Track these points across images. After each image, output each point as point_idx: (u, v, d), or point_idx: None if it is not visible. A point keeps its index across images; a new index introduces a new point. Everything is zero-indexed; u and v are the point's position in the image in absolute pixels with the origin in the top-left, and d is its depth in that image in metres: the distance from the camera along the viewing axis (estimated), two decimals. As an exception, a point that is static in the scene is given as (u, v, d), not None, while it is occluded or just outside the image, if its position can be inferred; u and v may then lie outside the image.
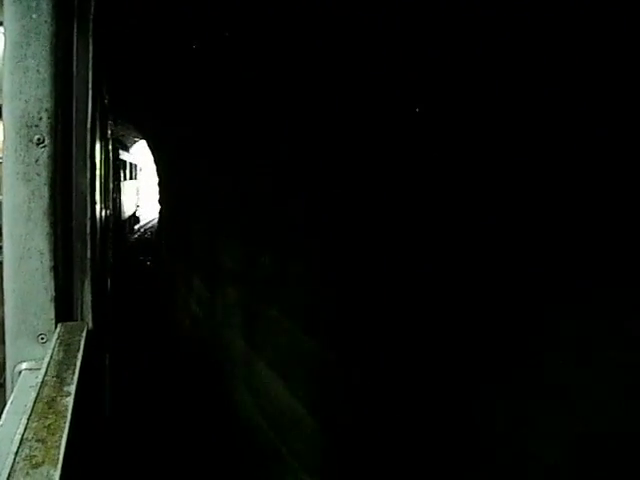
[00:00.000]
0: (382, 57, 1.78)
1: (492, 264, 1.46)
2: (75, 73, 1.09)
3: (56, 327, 1.03)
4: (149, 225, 17.48)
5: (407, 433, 1.83)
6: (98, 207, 1.89)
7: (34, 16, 0.96)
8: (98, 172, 1.80)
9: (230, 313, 4.20)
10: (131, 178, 15.30)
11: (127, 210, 14.20)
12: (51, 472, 0.60)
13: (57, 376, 0.85)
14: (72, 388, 0.81)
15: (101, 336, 1.83)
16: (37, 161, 0.98)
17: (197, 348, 5.17)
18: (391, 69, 1.75)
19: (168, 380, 4.70)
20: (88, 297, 1.14)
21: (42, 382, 0.83)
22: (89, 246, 1.14)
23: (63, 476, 0.60)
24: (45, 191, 0.99)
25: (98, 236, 1.83)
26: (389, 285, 1.93)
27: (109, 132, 4.76)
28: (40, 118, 0.98)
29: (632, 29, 1.03)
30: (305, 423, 2.58)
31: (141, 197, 18.09)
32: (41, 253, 1.00)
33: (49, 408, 0.74)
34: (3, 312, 1.01)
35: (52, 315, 1.03)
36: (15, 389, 0.92)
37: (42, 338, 1.02)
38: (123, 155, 13.05)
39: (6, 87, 0.96)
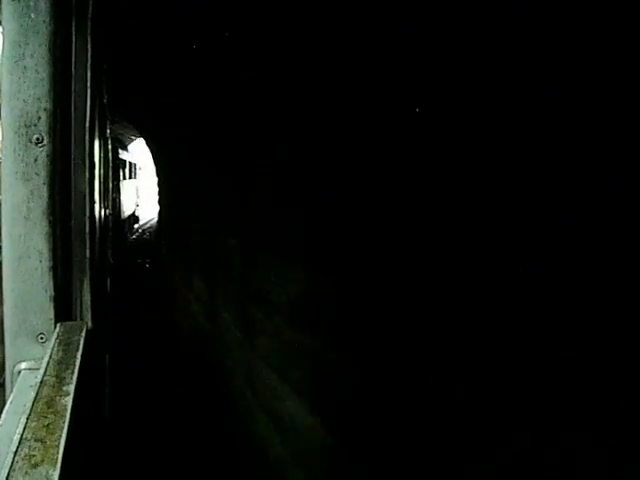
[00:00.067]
0: (382, 57, 1.78)
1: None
2: (74, 72, 1.09)
3: (55, 327, 1.03)
4: (148, 225, 17.49)
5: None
6: (97, 206, 1.89)
7: (32, 15, 0.96)
8: (97, 171, 1.80)
9: (230, 312, 4.20)
10: (130, 177, 15.30)
11: (126, 210, 14.20)
12: (50, 472, 0.60)
13: (56, 376, 0.85)
14: (71, 388, 0.81)
15: (100, 336, 1.83)
16: (36, 160, 0.98)
17: (197, 348, 5.17)
18: (390, 69, 1.75)
19: (168, 379, 4.70)
20: (87, 297, 1.14)
21: (41, 382, 0.83)
22: (88, 246, 1.14)
23: (62, 475, 0.60)
24: (44, 191, 0.99)
25: (97, 235, 1.83)
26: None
27: (108, 131, 4.75)
28: (39, 117, 0.98)
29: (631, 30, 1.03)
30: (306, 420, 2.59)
31: (140, 196, 18.09)
32: (40, 253, 1.00)
33: (48, 408, 0.74)
34: (2, 312, 1.01)
35: (51, 315, 1.03)
36: (14, 389, 0.92)
37: (41, 338, 1.02)
38: (122, 154, 13.05)
39: (4, 86, 0.96)
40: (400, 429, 1.88)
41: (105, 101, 2.98)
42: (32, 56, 0.97)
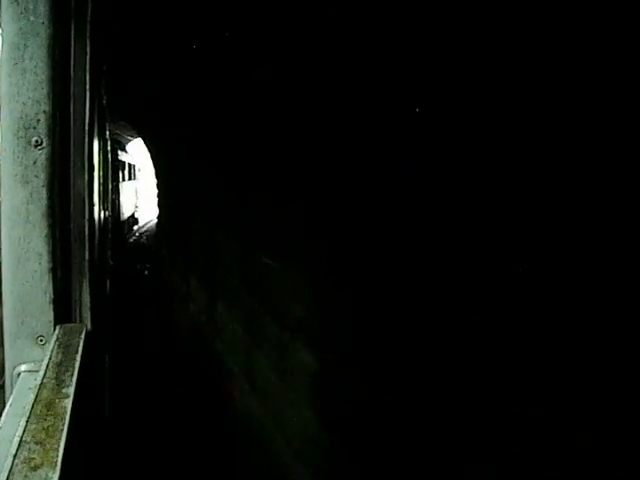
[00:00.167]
0: (381, 58, 1.78)
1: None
2: (73, 75, 1.09)
3: (55, 329, 1.03)
4: (147, 227, 17.46)
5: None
6: (97, 208, 1.89)
7: (31, 18, 0.96)
8: (96, 173, 1.80)
9: (231, 314, 4.20)
10: (130, 179, 15.28)
11: (126, 211, 14.19)
12: (50, 474, 0.60)
13: (56, 378, 0.85)
14: (71, 390, 0.81)
15: (100, 338, 1.83)
16: (35, 163, 0.98)
17: (196, 348, 5.17)
18: (390, 70, 1.75)
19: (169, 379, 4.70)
20: (87, 299, 1.14)
21: (41, 384, 0.82)
22: (87, 248, 1.14)
23: (62, 478, 0.60)
24: (43, 193, 0.99)
25: (97, 237, 1.83)
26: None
27: (107, 132, 4.75)
28: (38, 120, 0.97)
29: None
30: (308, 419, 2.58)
31: (140, 198, 18.07)
32: (40, 255, 1.00)
33: (48, 410, 0.74)
34: (2, 314, 1.01)
35: (51, 317, 1.02)
36: (14, 391, 0.92)
37: (41, 340, 1.02)
38: (122, 156, 13.03)
39: (3, 89, 0.96)
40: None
41: (104, 102, 2.98)
42: (31, 58, 0.97)
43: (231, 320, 4.11)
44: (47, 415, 0.73)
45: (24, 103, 0.97)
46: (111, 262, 5.33)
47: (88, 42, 1.12)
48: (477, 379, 1.53)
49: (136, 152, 16.60)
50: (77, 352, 0.95)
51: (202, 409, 4.19)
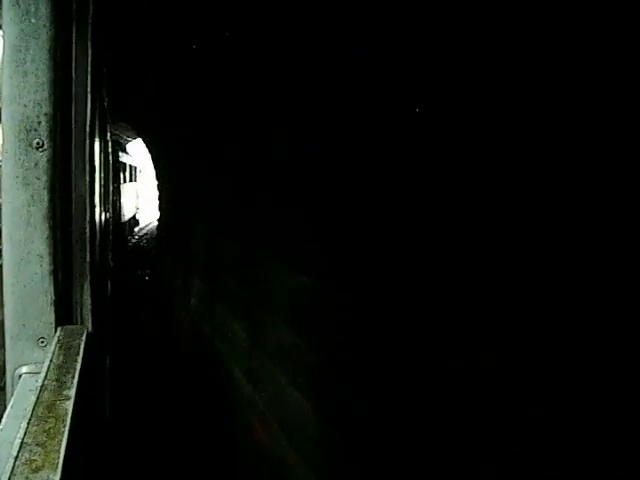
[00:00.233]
0: (381, 58, 1.78)
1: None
2: (74, 77, 1.10)
3: (56, 330, 1.03)
4: (147, 229, 17.47)
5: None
6: (98, 210, 1.89)
7: (33, 20, 0.96)
8: (97, 175, 1.81)
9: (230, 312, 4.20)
10: (131, 180, 15.31)
11: (127, 213, 14.21)
12: (51, 476, 0.60)
13: (57, 380, 0.85)
14: (72, 392, 0.81)
15: (101, 339, 1.83)
16: (36, 165, 0.98)
17: (196, 348, 5.17)
18: (389, 70, 1.76)
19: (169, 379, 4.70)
20: (88, 300, 1.14)
21: (42, 386, 0.83)
22: (88, 249, 1.14)
23: (63, 480, 0.60)
24: (44, 195, 0.99)
25: (98, 239, 1.83)
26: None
27: (108, 134, 4.76)
28: (39, 122, 0.98)
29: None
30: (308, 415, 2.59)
31: (140, 199, 18.09)
32: (41, 257, 1.00)
33: (49, 412, 0.74)
34: (3, 315, 1.01)
35: (52, 319, 1.03)
36: (15, 393, 0.92)
37: (42, 342, 1.02)
38: (123, 157, 13.05)
39: (5, 91, 0.96)
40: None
41: (105, 104, 2.99)
42: (33, 61, 0.97)
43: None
44: (48, 417, 0.73)
45: (25, 105, 0.97)
46: (112, 264, 5.33)
47: (89, 44, 1.13)
48: (477, 379, 1.53)
49: (136, 153, 16.62)
50: (78, 354, 0.95)
51: (202, 409, 4.19)
